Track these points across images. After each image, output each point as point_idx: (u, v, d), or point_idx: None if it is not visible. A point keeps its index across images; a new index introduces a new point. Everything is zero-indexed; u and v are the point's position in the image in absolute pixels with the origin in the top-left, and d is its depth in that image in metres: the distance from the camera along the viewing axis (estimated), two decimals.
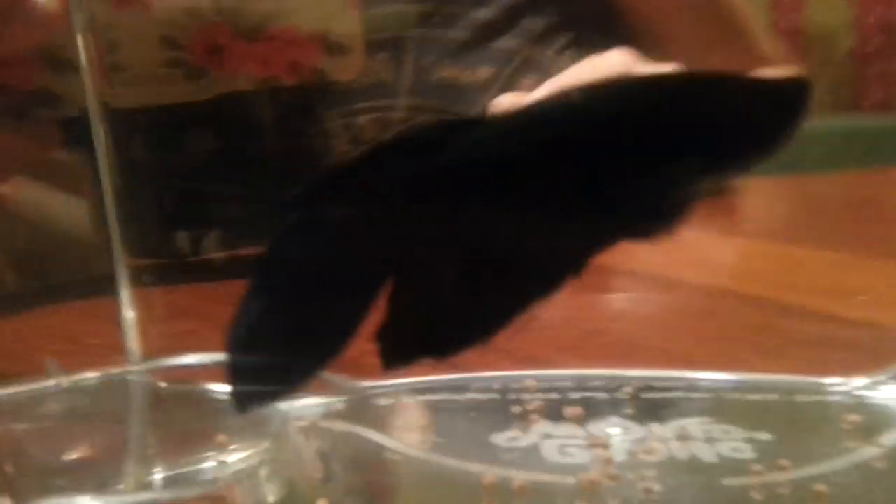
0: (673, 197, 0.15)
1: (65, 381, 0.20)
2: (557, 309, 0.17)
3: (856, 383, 0.18)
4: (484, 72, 0.34)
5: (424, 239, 0.18)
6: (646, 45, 0.30)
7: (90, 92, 0.21)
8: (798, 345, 0.22)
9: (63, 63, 0.25)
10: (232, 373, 0.18)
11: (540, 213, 0.16)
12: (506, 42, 0.36)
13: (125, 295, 0.20)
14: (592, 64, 0.33)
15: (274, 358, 0.18)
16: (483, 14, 0.36)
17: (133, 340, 0.20)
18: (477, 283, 0.18)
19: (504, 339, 0.17)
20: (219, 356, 0.18)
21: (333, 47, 0.28)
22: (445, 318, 0.18)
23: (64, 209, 0.26)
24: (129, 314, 0.20)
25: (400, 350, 0.18)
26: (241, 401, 0.18)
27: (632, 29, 0.35)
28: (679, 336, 0.22)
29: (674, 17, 0.34)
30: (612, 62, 0.31)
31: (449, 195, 0.16)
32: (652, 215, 0.14)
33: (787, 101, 0.15)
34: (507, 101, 0.26)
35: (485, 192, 0.16)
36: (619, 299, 0.25)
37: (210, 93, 0.27)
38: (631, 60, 0.29)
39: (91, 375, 0.20)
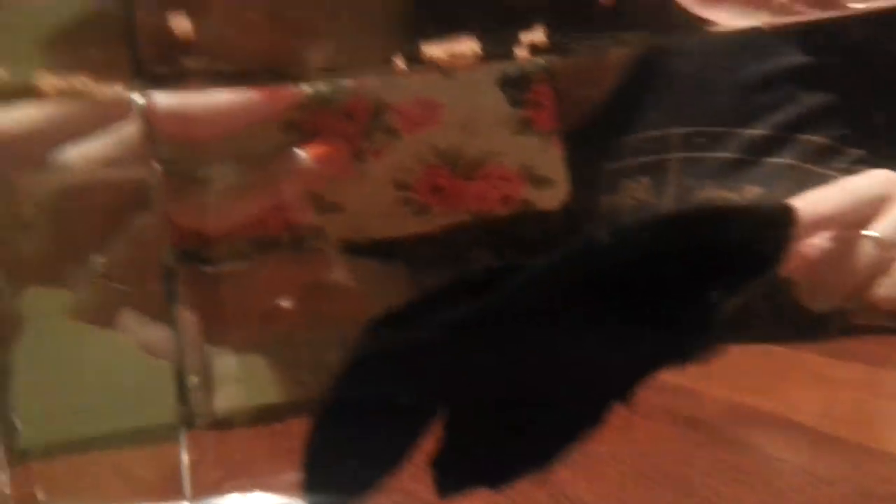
0: (705, 317, 0.16)
1: None
2: None
3: None
4: (752, 191, 0.34)
5: (480, 369, 0.19)
6: None
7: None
8: None
9: (327, 205, 0.29)
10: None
11: (583, 345, 0.17)
12: (779, 160, 0.36)
13: None
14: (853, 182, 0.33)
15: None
16: (755, 131, 0.36)
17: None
18: (528, 414, 0.19)
19: None
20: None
21: (539, 181, 0.31)
22: (500, 447, 0.19)
23: None
24: None
25: (455, 478, 0.19)
26: None
27: None
28: None
29: None
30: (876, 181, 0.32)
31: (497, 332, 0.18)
32: (691, 336, 0.16)
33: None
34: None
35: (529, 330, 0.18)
36: None
37: (433, 225, 0.32)
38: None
39: None
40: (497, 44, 0.28)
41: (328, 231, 0.30)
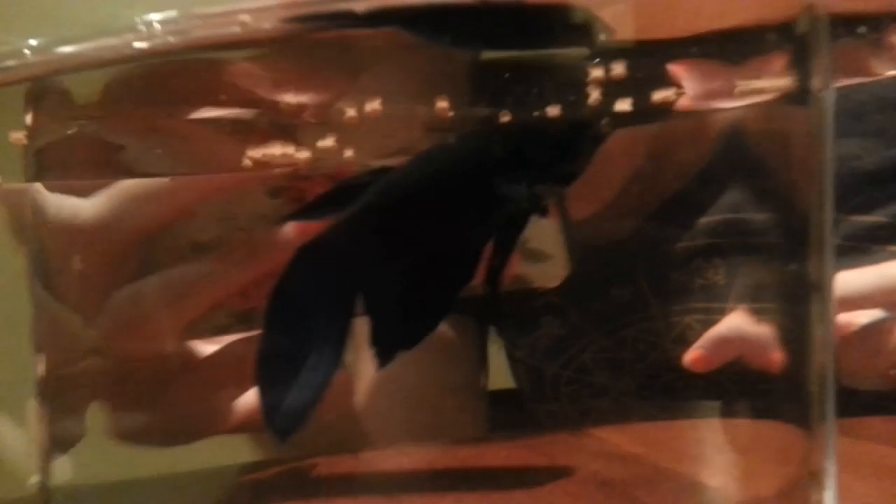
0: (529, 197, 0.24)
1: None
2: None
3: None
4: None
5: (378, 258, 0.24)
6: None
7: None
8: None
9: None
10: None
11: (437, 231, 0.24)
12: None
13: None
14: None
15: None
16: (871, 219, 0.36)
17: None
18: (417, 281, 0.24)
19: None
20: None
21: (534, 255, 0.28)
22: (406, 314, 0.25)
23: None
24: None
25: (386, 349, 0.24)
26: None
27: None
28: None
29: None
30: None
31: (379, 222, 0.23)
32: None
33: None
34: None
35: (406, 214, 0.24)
36: None
37: None
38: None
39: None
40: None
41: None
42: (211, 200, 0.25)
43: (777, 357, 0.24)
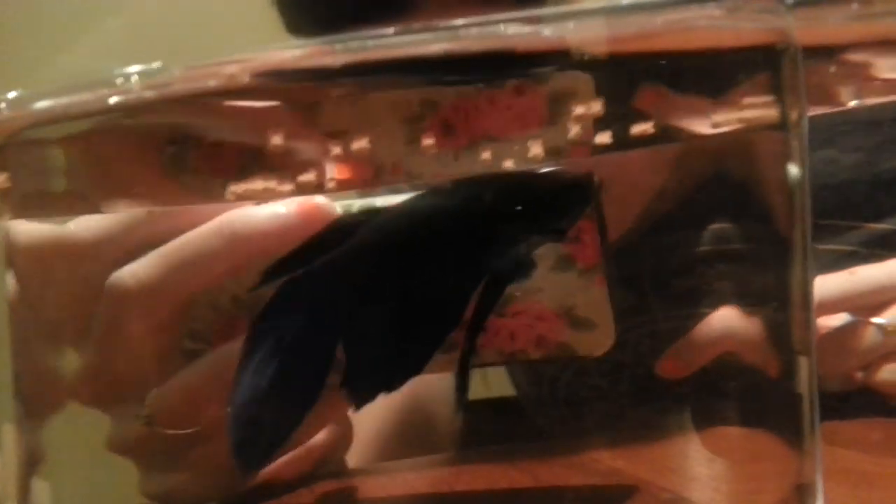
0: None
1: None
2: None
3: None
4: None
5: (364, 298, 0.24)
6: None
7: None
8: None
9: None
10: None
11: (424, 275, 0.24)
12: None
13: None
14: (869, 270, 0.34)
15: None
16: (882, 226, 0.36)
17: None
18: (402, 326, 0.24)
19: None
20: None
21: (580, 323, 0.27)
22: (387, 357, 0.24)
23: None
24: None
25: (362, 391, 0.24)
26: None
27: None
28: None
29: None
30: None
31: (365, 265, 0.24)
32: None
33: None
34: None
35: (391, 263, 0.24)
36: None
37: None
38: None
39: None
40: None
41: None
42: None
43: (766, 348, 0.24)
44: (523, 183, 0.24)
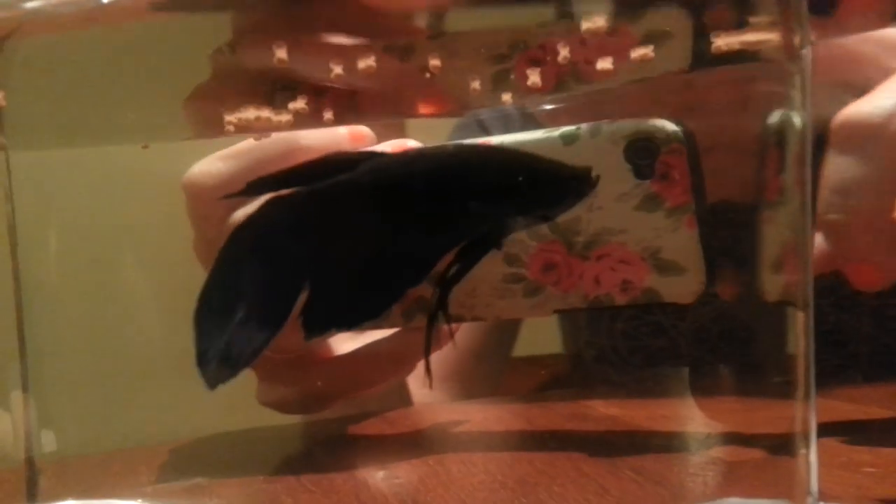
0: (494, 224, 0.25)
1: None
2: None
3: None
4: None
5: (338, 234, 0.25)
6: None
7: None
8: None
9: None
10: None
11: (403, 227, 0.25)
12: None
13: None
14: None
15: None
16: None
17: None
18: (367, 272, 0.25)
19: None
20: None
21: (667, 267, 0.27)
22: (350, 298, 0.25)
23: None
24: None
25: (319, 324, 0.25)
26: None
27: None
28: None
29: None
30: None
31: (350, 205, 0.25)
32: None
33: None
34: None
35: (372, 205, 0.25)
36: None
37: (545, 310, 0.28)
38: None
39: None
40: None
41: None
42: None
43: None
44: (525, 165, 0.25)
